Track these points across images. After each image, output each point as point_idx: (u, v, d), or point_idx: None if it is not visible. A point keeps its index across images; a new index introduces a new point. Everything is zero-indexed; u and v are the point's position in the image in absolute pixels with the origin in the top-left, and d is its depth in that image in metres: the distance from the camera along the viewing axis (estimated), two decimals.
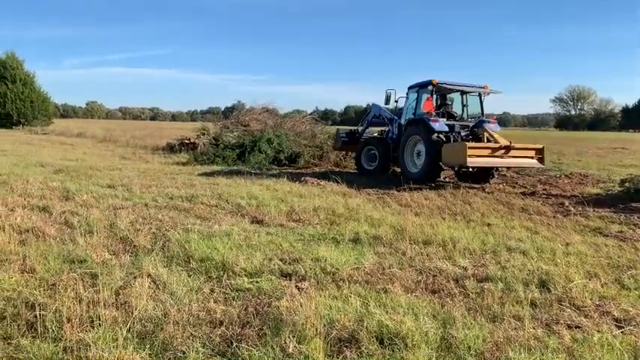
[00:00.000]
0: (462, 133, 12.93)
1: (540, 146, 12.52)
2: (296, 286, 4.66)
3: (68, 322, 3.59)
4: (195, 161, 17.13)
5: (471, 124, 13.24)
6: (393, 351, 3.43)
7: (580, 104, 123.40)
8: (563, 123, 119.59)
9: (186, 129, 27.93)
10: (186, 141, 21.01)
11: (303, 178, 12.37)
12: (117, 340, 3.38)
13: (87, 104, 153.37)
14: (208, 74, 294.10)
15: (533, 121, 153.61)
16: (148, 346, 3.38)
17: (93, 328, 3.59)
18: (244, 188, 10.54)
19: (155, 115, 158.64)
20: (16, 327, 3.61)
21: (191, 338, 3.53)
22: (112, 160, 17.06)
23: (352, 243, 6.33)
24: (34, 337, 3.49)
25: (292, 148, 18.44)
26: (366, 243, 6.30)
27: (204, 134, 20.29)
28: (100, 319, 3.70)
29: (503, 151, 11.78)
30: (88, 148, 22.90)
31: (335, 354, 3.40)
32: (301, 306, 3.92)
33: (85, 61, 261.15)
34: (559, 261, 5.62)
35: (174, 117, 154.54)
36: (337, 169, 16.58)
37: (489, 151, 11.74)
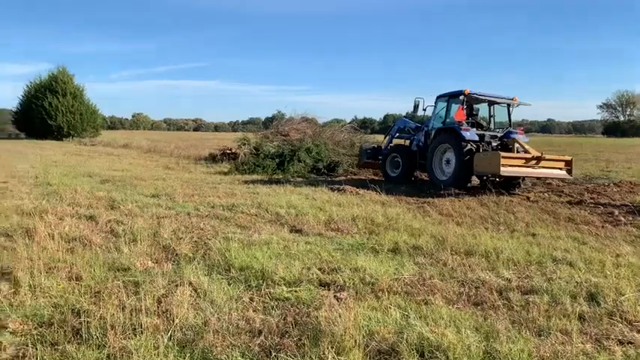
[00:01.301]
0: (493, 143, 13.15)
1: (569, 158, 12.93)
2: (335, 296, 4.63)
3: (112, 330, 3.67)
4: (236, 171, 17.37)
5: (499, 134, 13.42)
6: None
7: (629, 110, 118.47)
8: (611, 129, 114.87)
9: (228, 139, 28.38)
10: (228, 151, 21.33)
11: (341, 187, 12.34)
12: (158, 348, 3.43)
13: (133, 116, 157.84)
14: (250, 85, 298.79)
15: (579, 128, 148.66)
16: (188, 355, 3.42)
17: (135, 335, 3.66)
18: (283, 197, 10.61)
19: (198, 126, 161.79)
20: (62, 333, 3.72)
21: (231, 347, 3.55)
22: (156, 170, 17.48)
23: (392, 253, 6.26)
24: (79, 343, 3.58)
25: (331, 157, 18.50)
26: (405, 253, 6.22)
27: (244, 144, 20.58)
28: (142, 327, 3.77)
29: (534, 161, 12.10)
30: (133, 159, 23.56)
31: None
32: (340, 316, 3.88)
33: (131, 74, 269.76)
34: (609, 273, 5.40)
35: (217, 127, 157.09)
36: (376, 178, 16.44)
37: (522, 161, 12.09)
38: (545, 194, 12.42)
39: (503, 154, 11.75)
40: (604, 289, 4.85)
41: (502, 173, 11.56)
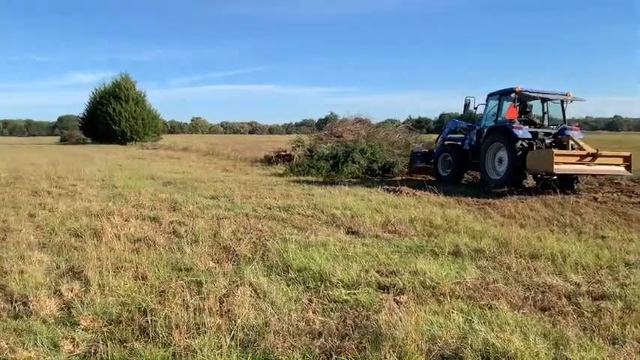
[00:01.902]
0: (547, 141, 12.84)
1: (628, 154, 12.30)
2: (394, 299, 4.55)
3: (176, 328, 3.76)
4: (291, 172, 17.52)
5: (553, 131, 12.99)
6: None
7: None
8: None
9: (282, 141, 28.70)
10: (282, 153, 21.58)
11: (397, 188, 12.18)
12: (221, 347, 3.49)
13: (192, 120, 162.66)
14: (302, 88, 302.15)
15: None
16: (250, 355, 3.45)
17: (199, 334, 3.74)
18: (339, 199, 10.59)
19: (253, 129, 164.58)
20: (130, 331, 3.85)
21: (291, 348, 3.56)
22: (215, 173, 17.90)
23: (452, 256, 6.11)
24: (146, 341, 3.69)
25: (386, 157, 18.35)
26: (467, 256, 6.05)
27: (299, 146, 20.73)
28: (205, 326, 3.85)
29: (589, 158, 11.69)
30: (193, 162, 24.23)
31: None
32: (401, 320, 3.81)
33: (189, 80, 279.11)
34: None
35: (271, 130, 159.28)
36: (433, 179, 16.16)
37: (576, 158, 11.74)
38: (614, 194, 11.80)
39: (556, 151, 11.51)
40: None
41: (555, 171, 11.33)
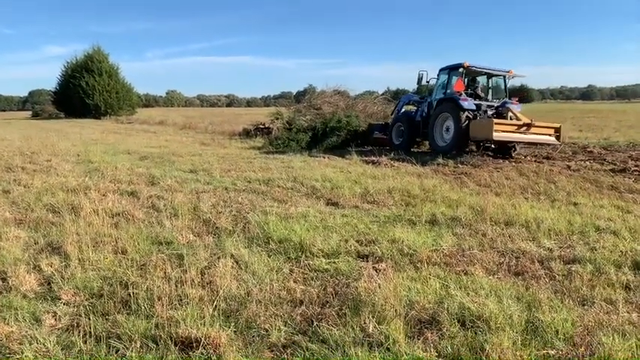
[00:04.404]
0: (489, 112, 14.10)
1: (558, 125, 13.90)
2: (373, 267, 4.66)
3: (159, 300, 3.79)
4: (270, 145, 17.48)
5: (496, 104, 14.36)
6: (476, 333, 3.36)
7: None
8: None
9: (261, 114, 28.47)
10: (261, 126, 21.45)
11: (376, 160, 12.28)
12: (204, 317, 3.54)
13: (167, 93, 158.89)
14: (281, 60, 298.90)
15: (622, 94, 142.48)
16: (233, 324, 3.51)
17: (181, 306, 3.78)
18: (318, 171, 10.63)
19: (231, 102, 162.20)
20: (112, 304, 3.87)
21: (273, 317, 3.63)
22: (193, 147, 17.74)
23: (429, 224, 6.23)
24: (128, 313, 3.72)
25: (364, 129, 18.36)
26: (443, 224, 6.18)
27: (277, 119, 20.61)
28: (187, 298, 3.90)
29: (525, 128, 13.01)
30: (169, 136, 23.93)
31: (415, 335, 3.38)
32: (379, 287, 3.92)
33: (164, 53, 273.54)
34: None
35: (249, 103, 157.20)
36: (411, 150, 16.29)
37: (514, 127, 13.01)
38: (587, 162, 12.07)
39: (496, 120, 12.76)
40: None
41: (495, 138, 12.51)
